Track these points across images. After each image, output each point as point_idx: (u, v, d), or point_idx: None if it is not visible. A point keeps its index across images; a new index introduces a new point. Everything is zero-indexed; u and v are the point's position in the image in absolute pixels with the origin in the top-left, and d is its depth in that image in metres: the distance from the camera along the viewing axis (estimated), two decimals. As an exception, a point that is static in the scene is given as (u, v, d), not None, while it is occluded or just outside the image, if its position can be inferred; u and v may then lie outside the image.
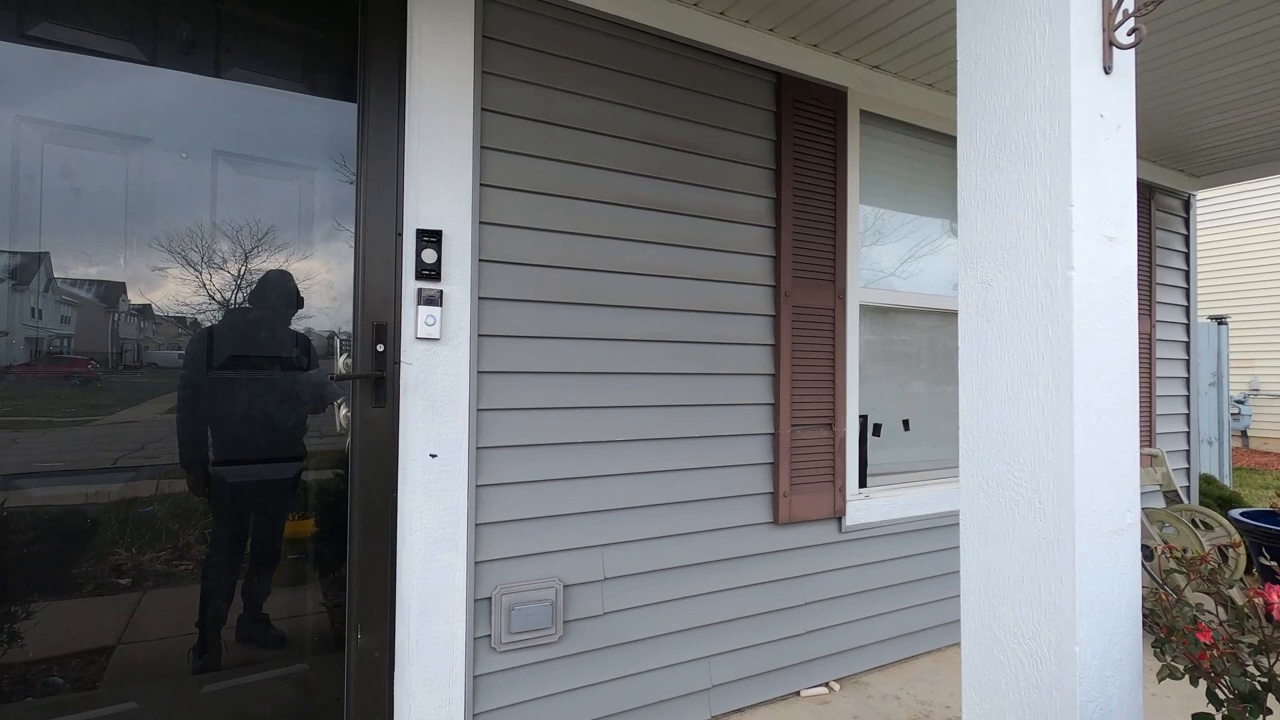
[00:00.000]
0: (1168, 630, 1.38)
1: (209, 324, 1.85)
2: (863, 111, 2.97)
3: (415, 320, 1.96)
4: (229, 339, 1.87)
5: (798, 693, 2.70)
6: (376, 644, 1.97)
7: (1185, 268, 4.61)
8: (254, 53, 1.90)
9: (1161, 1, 1.31)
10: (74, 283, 1.71)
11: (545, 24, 2.20)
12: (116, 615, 1.73)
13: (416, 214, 1.97)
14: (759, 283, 2.64)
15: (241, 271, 1.87)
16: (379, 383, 1.98)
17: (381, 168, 1.99)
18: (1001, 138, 1.31)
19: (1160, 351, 4.36)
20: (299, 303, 1.95)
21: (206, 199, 1.83)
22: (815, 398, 2.75)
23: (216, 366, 1.86)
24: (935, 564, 3.10)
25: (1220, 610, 1.48)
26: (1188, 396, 4.59)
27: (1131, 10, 1.26)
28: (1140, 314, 4.15)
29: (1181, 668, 1.33)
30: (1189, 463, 4.60)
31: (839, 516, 2.81)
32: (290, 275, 1.93)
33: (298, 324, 1.96)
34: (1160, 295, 4.39)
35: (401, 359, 1.98)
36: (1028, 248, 1.27)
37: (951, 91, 3.14)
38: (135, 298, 1.77)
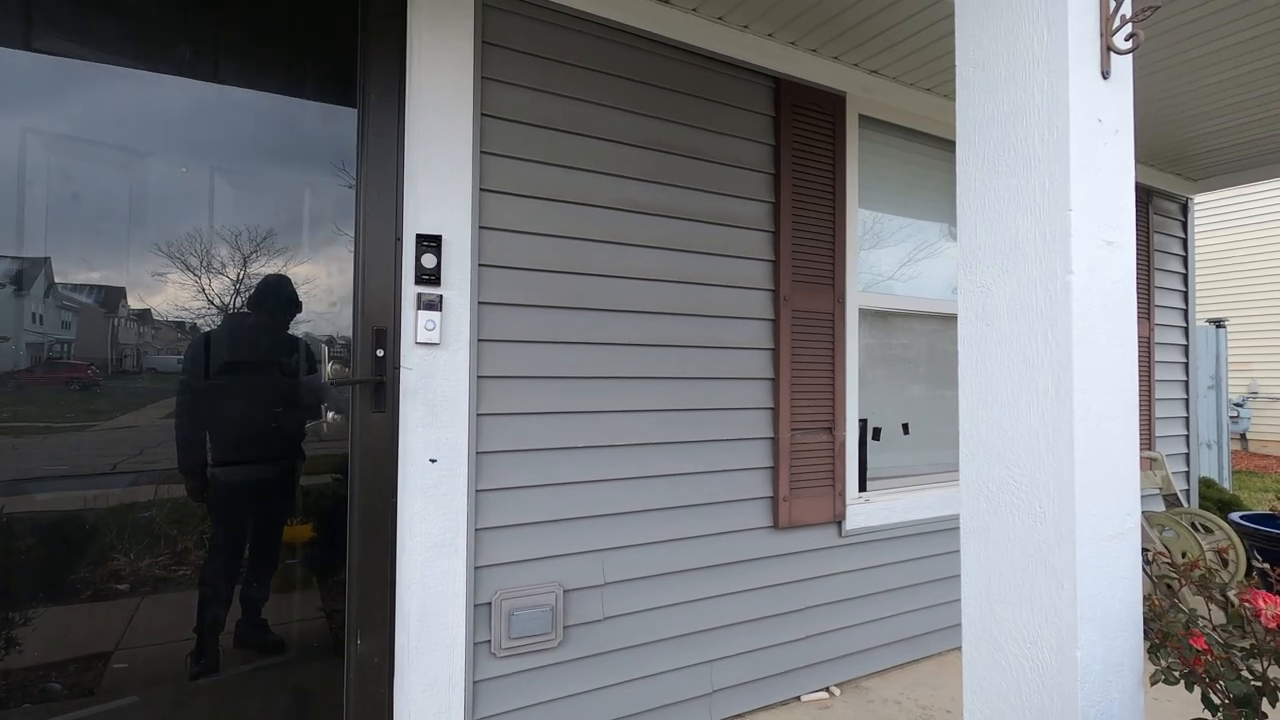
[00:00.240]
0: (1162, 636, 1.38)
1: (208, 329, 1.85)
2: (861, 116, 2.97)
3: (415, 325, 1.96)
4: (228, 344, 1.87)
5: (798, 698, 2.69)
6: (376, 649, 1.96)
7: (1184, 271, 4.62)
8: (254, 59, 1.90)
9: (1159, 8, 1.32)
10: (75, 288, 1.72)
11: (545, 29, 2.21)
12: (115, 621, 1.72)
13: (416, 219, 1.97)
14: (758, 287, 2.64)
15: (241, 276, 1.87)
16: (379, 387, 1.98)
17: (381, 173, 2.00)
18: (1000, 143, 1.32)
19: (1159, 355, 4.37)
20: (298, 307, 1.95)
21: (206, 204, 1.83)
22: (815, 402, 2.75)
23: (215, 371, 1.86)
24: (936, 568, 3.10)
25: (1217, 614, 1.49)
26: (1187, 400, 4.60)
27: (1129, 16, 1.27)
28: (1139, 317, 4.16)
29: (1177, 673, 1.33)
30: (1188, 466, 4.60)
31: (839, 520, 2.81)
32: (289, 280, 1.93)
33: (297, 328, 1.96)
34: (1159, 299, 4.40)
35: (401, 364, 1.98)
36: (1027, 252, 1.27)
37: (950, 96, 3.15)
38: (135, 303, 1.77)
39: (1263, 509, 4.69)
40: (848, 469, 2.84)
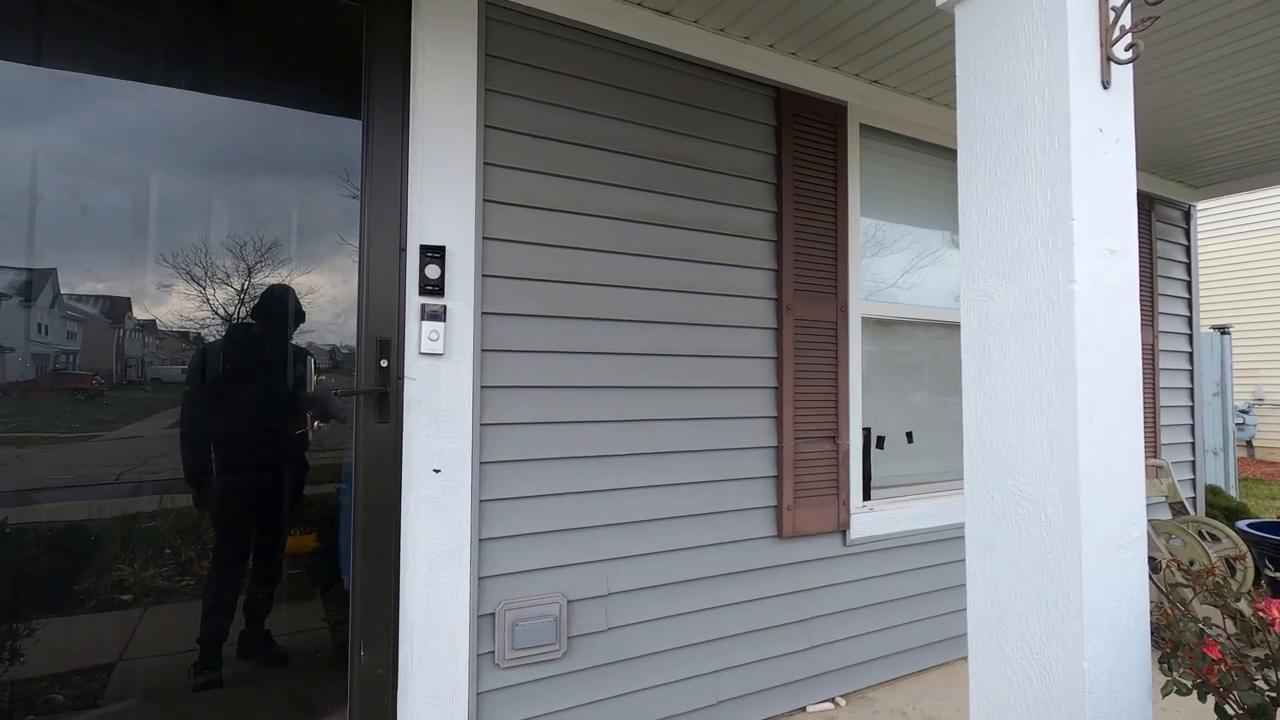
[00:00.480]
0: (1174, 645, 1.37)
1: (212, 339, 1.86)
2: (863, 125, 2.98)
3: (419, 335, 1.96)
4: (232, 354, 1.88)
5: (804, 708, 2.68)
6: (379, 661, 1.96)
7: (1187, 278, 4.62)
8: (259, 71, 1.92)
9: (1158, 18, 1.32)
10: (80, 298, 1.73)
11: (548, 42, 2.23)
12: (119, 631, 1.72)
13: (420, 230, 1.98)
14: (761, 296, 2.65)
15: (245, 287, 1.88)
16: (382, 398, 1.98)
17: (385, 184, 2.01)
18: (1001, 152, 1.32)
19: (1163, 362, 4.36)
20: (301, 318, 1.96)
21: (211, 215, 1.84)
22: (818, 410, 2.74)
23: (219, 381, 1.86)
24: (941, 577, 3.08)
25: (1228, 623, 1.47)
26: (1192, 407, 4.58)
27: (1129, 26, 1.27)
28: (1143, 325, 4.14)
29: (1189, 684, 1.32)
30: (1194, 473, 4.57)
31: (843, 530, 2.80)
32: (293, 290, 1.94)
33: (300, 339, 1.97)
34: (1162, 306, 4.39)
35: (405, 374, 1.98)
36: (1029, 261, 1.27)
37: (951, 105, 3.16)
38: (140, 313, 1.78)
39: (1270, 516, 4.66)
40: (851, 478, 2.84)
